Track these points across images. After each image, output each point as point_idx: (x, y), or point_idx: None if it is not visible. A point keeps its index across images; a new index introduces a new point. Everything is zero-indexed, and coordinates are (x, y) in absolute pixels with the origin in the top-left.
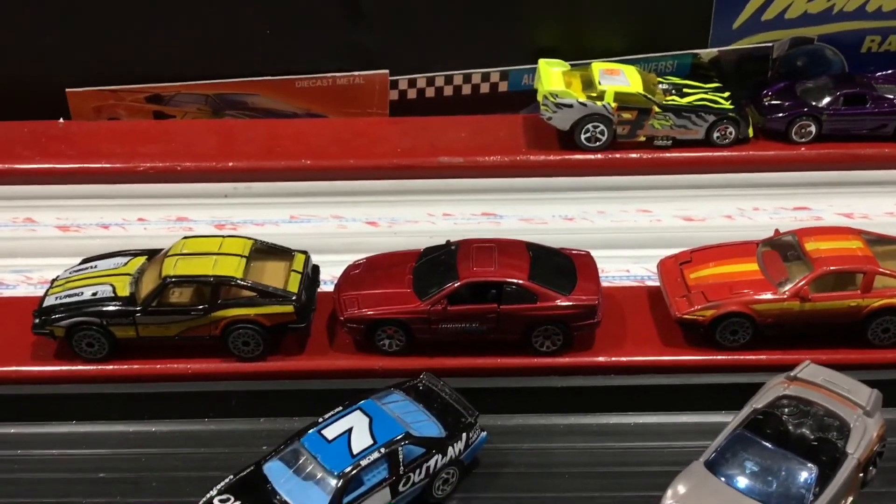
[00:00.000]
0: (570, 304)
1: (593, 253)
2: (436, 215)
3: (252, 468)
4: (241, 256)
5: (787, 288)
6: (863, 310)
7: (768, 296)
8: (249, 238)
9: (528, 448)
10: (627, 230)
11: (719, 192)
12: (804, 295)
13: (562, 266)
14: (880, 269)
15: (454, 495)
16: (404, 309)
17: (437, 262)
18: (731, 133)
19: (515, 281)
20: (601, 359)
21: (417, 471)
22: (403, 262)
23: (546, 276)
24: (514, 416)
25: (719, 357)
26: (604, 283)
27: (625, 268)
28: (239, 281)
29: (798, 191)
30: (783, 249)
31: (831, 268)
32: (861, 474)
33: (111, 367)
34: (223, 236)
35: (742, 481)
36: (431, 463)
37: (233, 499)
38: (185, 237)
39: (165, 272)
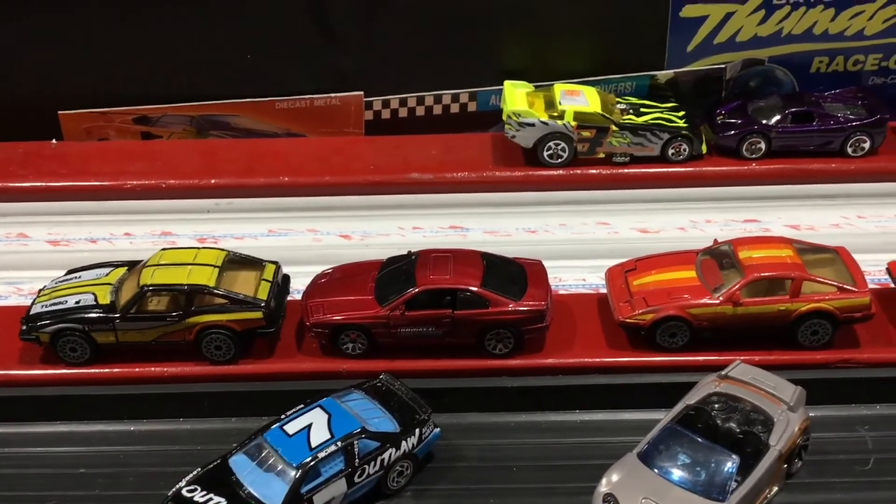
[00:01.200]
0: (520, 309)
1: (553, 263)
2: (406, 228)
3: (218, 461)
4: (215, 266)
5: (721, 293)
6: (792, 313)
7: (704, 300)
8: (223, 249)
9: (480, 444)
10: (586, 242)
11: (674, 206)
12: (736, 300)
13: (514, 274)
14: (808, 276)
15: (409, 487)
16: (366, 314)
17: (398, 270)
18: (684, 150)
19: (469, 288)
20: (550, 360)
21: (372, 463)
22: (367, 271)
23: (498, 284)
24: (468, 415)
25: (659, 358)
26: (561, 292)
27: (582, 277)
28: (212, 289)
29: (748, 204)
30: (720, 258)
31: (761, 274)
32: (785, 465)
33: (93, 370)
34: (198, 248)
35: (670, 471)
36: (386, 456)
37: (199, 489)
38: (163, 249)
39: (143, 281)
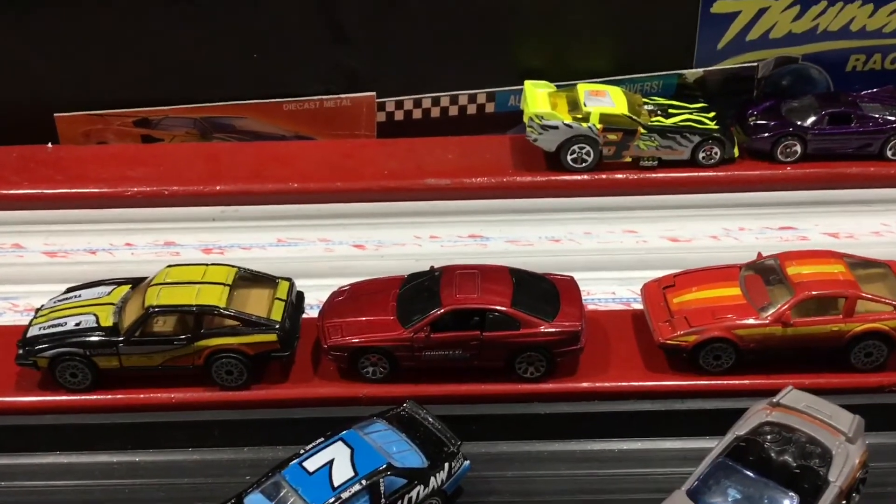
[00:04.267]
0: (554, 330)
1: (579, 275)
2: (422, 238)
3: (233, 501)
4: (225, 285)
5: (769, 313)
6: (845, 334)
7: (751, 321)
8: (233, 266)
9: (511, 476)
10: (613, 251)
11: (705, 213)
12: (786, 320)
13: (545, 292)
14: (862, 294)
15: None
16: (388, 337)
17: (421, 288)
18: (716, 153)
19: (498, 308)
20: (585, 384)
21: (399, 502)
22: (387, 289)
23: (529, 303)
24: (498, 444)
25: (702, 382)
26: (589, 306)
27: (611, 290)
28: (222, 310)
29: (783, 210)
30: (765, 273)
31: (813, 292)
32: (844, 502)
33: (94, 397)
34: (207, 264)
35: None
36: (413, 494)
37: None
38: (169, 266)
39: (149, 302)
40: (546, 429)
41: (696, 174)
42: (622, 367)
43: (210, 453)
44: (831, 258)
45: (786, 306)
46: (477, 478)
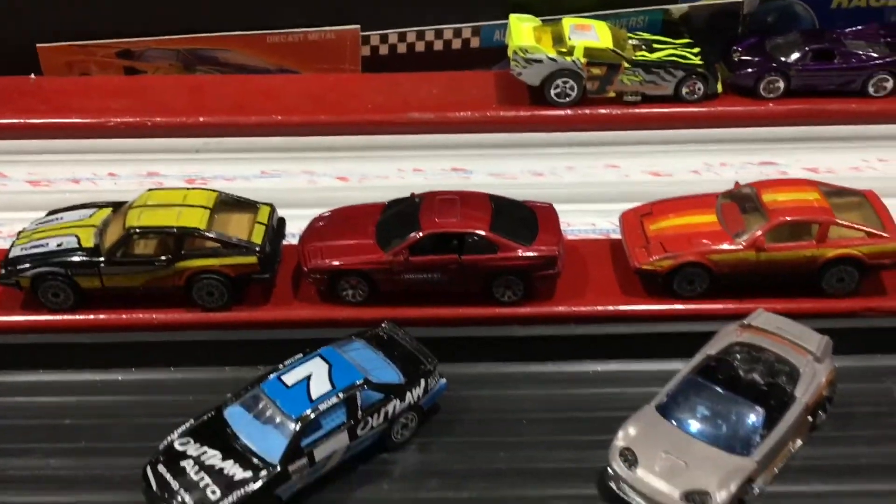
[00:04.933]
0: (531, 254)
1: (560, 207)
2: (406, 171)
3: (213, 413)
4: (206, 208)
5: (743, 238)
6: (818, 260)
7: (725, 246)
8: (214, 190)
9: (487, 395)
10: (595, 185)
11: (687, 148)
12: (760, 245)
13: (524, 218)
14: (836, 220)
15: (413, 440)
16: (367, 259)
17: (401, 214)
18: (699, 88)
19: (477, 232)
20: (561, 308)
21: (376, 415)
22: (368, 215)
23: (507, 228)
24: (476, 365)
25: (676, 306)
26: (569, 237)
27: (591, 221)
28: (203, 232)
29: (765, 146)
30: (742, 201)
31: (787, 218)
32: (810, 418)
33: (77, 316)
34: (188, 188)
35: (691, 424)
36: (390, 408)
37: (192, 441)
38: (151, 189)
39: (129, 223)
40: (523, 351)
41: (679, 109)
42: (599, 292)
43: (191, 372)
44: (807, 186)
45: (760, 232)
46: (454, 397)
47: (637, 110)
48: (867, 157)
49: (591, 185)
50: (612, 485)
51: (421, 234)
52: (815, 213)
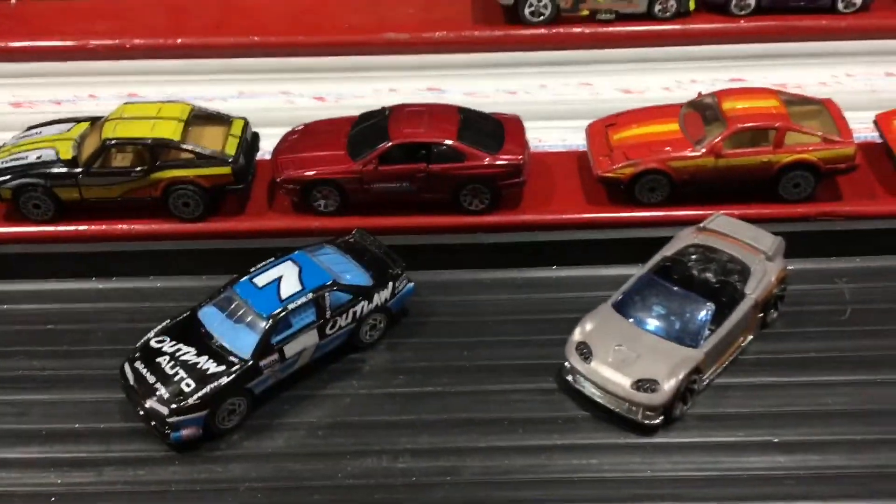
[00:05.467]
0: (496, 163)
1: (532, 124)
2: (382, 90)
3: (188, 313)
4: (180, 121)
5: (703, 145)
6: (774, 165)
7: (685, 153)
8: (188, 104)
9: (455, 300)
10: (567, 102)
11: (659, 66)
12: (718, 151)
13: (490, 128)
14: (792, 126)
15: (383, 340)
16: (338, 169)
17: (371, 126)
18: (672, 6)
19: (443, 141)
20: (527, 217)
21: (344, 315)
22: (340, 127)
23: (474, 137)
24: (444, 272)
25: (638, 214)
26: (540, 151)
27: (562, 137)
28: (177, 143)
29: (736, 63)
30: (703, 110)
31: (744, 125)
32: (761, 315)
33: (58, 227)
34: (162, 102)
35: (644, 319)
36: (358, 309)
37: (168, 339)
38: (126, 103)
39: (105, 135)
40: (489, 258)
41: (651, 28)
42: (564, 201)
43: (170, 281)
44: (766, 94)
45: (718, 138)
46: (422, 301)
47: (610, 28)
48: (836, 72)
49: (563, 102)
50: (569, 378)
51: (390, 143)
52: (772, 119)
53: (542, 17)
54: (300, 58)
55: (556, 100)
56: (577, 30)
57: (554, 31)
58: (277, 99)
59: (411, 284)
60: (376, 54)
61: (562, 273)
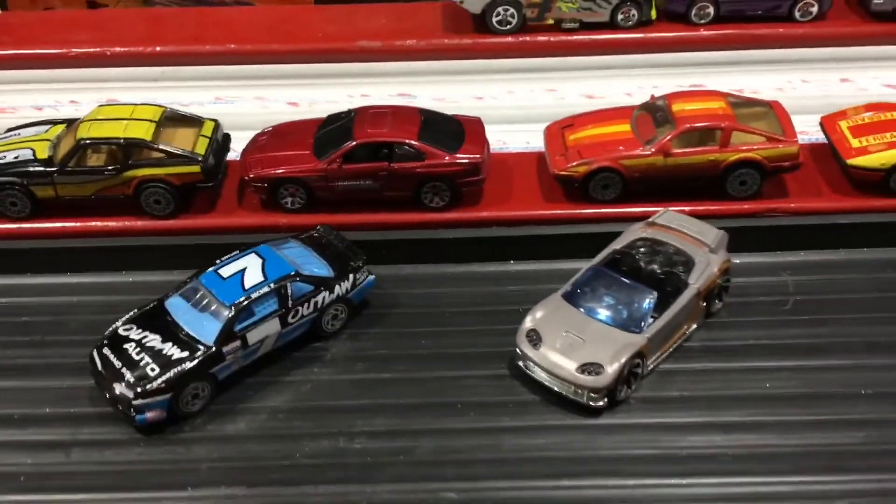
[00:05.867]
0: (455, 161)
1: (497, 127)
2: (354, 96)
3: (155, 303)
4: (152, 122)
5: (652, 144)
6: (721, 163)
7: (636, 152)
8: (161, 106)
9: (415, 293)
10: (533, 107)
11: (622, 73)
12: (667, 150)
13: (451, 129)
14: (737, 126)
15: (344, 330)
16: (304, 168)
17: (337, 126)
18: (634, 15)
19: (405, 140)
20: (486, 213)
21: (306, 305)
22: (307, 128)
23: (434, 137)
24: (406, 266)
25: (592, 210)
26: (503, 152)
27: (526, 140)
28: (148, 143)
29: (696, 70)
30: (655, 112)
31: (691, 125)
32: (705, 304)
33: (34, 224)
34: (136, 104)
35: (592, 308)
36: (319, 299)
37: (136, 328)
38: (101, 105)
39: (80, 135)
40: (449, 253)
41: (614, 36)
42: (522, 199)
43: (142, 275)
44: (715, 96)
45: (667, 138)
46: (385, 294)
47: (575, 37)
48: (792, 77)
49: (528, 107)
50: (521, 364)
51: (353, 143)
52: (718, 119)
53: (509, 26)
54: (275, 65)
55: (521, 105)
56: (542, 38)
57: (520, 39)
58: (253, 104)
59: (372, 277)
60: (349, 61)
61: (519, 267)
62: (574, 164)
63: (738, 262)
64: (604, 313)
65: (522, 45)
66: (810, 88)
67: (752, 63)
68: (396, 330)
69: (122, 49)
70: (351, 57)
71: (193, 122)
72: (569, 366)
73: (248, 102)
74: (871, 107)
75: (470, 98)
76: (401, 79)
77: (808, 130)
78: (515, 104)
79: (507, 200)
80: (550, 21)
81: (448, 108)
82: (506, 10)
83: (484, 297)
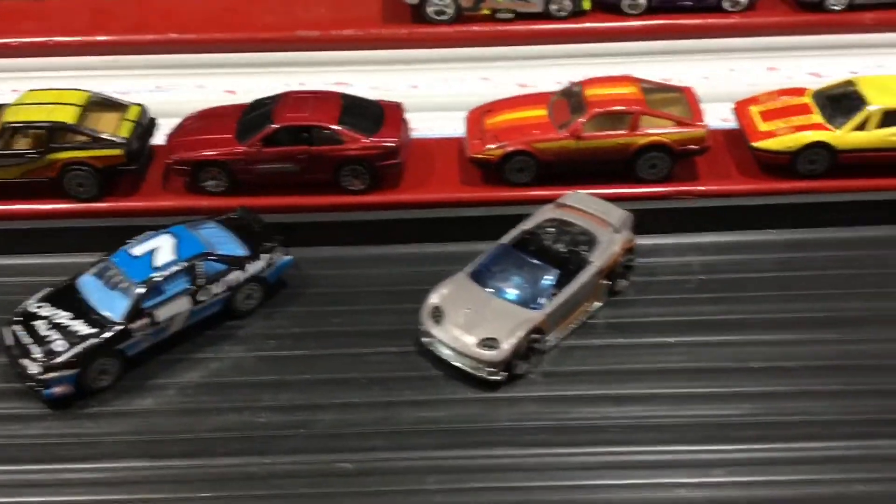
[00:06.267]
0: (373, 144)
1: (430, 114)
2: (292, 85)
3: (67, 282)
4: (77, 106)
5: (565, 128)
6: (631, 147)
7: (549, 135)
8: (87, 91)
9: (333, 273)
10: (466, 95)
11: (555, 62)
12: (578, 133)
13: (371, 113)
14: (647, 110)
15: (259, 310)
16: (225, 151)
17: (260, 111)
18: (567, 5)
19: (323, 124)
20: (404, 196)
21: (217, 284)
22: (232, 113)
23: (353, 122)
24: (324, 248)
25: (508, 193)
26: (430, 138)
27: (455, 126)
28: (72, 126)
29: (627, 59)
30: (570, 97)
31: (602, 109)
32: (609, 282)
33: None
34: (63, 89)
35: (495, 285)
36: (231, 278)
37: (47, 305)
38: (30, 90)
39: (5, 119)
40: (367, 235)
41: (548, 26)
42: (441, 183)
43: (67, 257)
44: (627, 82)
45: (579, 122)
46: (302, 275)
47: (509, 27)
48: (719, 66)
49: (462, 95)
50: (425, 340)
51: (273, 126)
52: (628, 104)
53: (445, 17)
54: (216, 54)
55: (455, 93)
56: (477, 28)
57: (456, 29)
58: (193, 92)
59: (289, 258)
60: (288, 51)
61: (435, 249)
62: (489, 147)
63: (647, 242)
64: (505, 291)
65: (457, 34)
66: (738, 77)
67: (681, 53)
68: (310, 309)
69: (66, 39)
70: (289, 46)
71: (119, 106)
72: (468, 341)
73: (188, 90)
74: (783, 92)
75: (406, 86)
76: (339, 67)
77: (730, 117)
78: (450, 92)
79: (427, 184)
80: (486, 11)
81: (384, 95)
82: (441, 1)
83: (399, 277)
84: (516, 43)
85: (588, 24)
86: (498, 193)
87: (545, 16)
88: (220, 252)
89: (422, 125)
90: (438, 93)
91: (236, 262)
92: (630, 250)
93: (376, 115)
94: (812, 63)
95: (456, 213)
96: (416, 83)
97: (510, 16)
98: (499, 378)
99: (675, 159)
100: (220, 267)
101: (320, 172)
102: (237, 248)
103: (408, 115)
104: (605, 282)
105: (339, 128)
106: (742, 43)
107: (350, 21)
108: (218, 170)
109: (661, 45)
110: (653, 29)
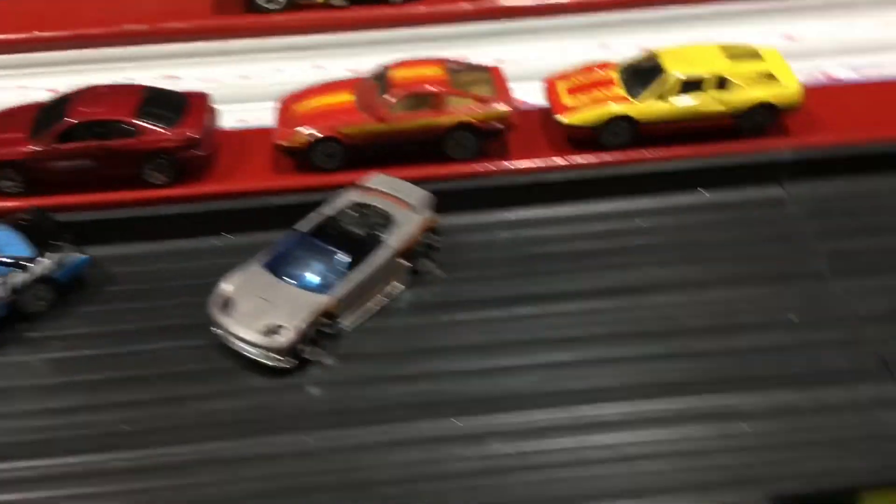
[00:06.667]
0: (172, 136)
1: (257, 105)
2: (118, 80)
3: None
4: None
5: (369, 112)
6: (438, 128)
7: (353, 120)
8: None
9: (135, 270)
10: (297, 84)
11: (388, 47)
12: (384, 116)
13: (174, 105)
14: (451, 90)
15: (54, 310)
16: (16, 150)
17: (56, 107)
18: None
19: (119, 118)
20: (207, 188)
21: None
22: (28, 111)
23: (153, 114)
24: (126, 246)
25: (316, 179)
26: (249, 129)
27: None
28: None
29: (458, 42)
30: (378, 80)
31: (404, 91)
32: (408, 263)
33: None
34: None
35: (287, 272)
36: (18, 280)
37: None
38: None
39: None
40: (171, 229)
41: (381, 11)
42: (251, 173)
43: None
44: (433, 64)
45: (382, 105)
46: (102, 273)
47: (343, 14)
48: (551, 46)
49: (293, 84)
50: (215, 331)
51: (65, 122)
52: (431, 84)
53: (277, 5)
54: (38, 53)
55: (287, 82)
56: (308, 15)
57: (288, 17)
58: (13, 94)
59: (84, 257)
60: (115, 46)
61: (241, 240)
62: (295, 134)
63: (454, 222)
64: (295, 276)
65: (289, 23)
66: (571, 56)
67: (514, 33)
68: (106, 308)
69: None
70: (116, 41)
71: None
72: (254, 329)
73: (9, 92)
74: (591, 67)
75: (237, 78)
76: (168, 61)
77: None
78: (282, 81)
79: (235, 175)
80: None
81: (211, 88)
82: None
83: (202, 271)
84: (350, 29)
85: (421, 10)
86: (307, 180)
87: (380, 1)
88: (2, 254)
89: (251, 116)
90: (272, 82)
91: (16, 265)
92: (432, 230)
93: (179, 107)
94: (643, 38)
95: (264, 202)
96: (249, 74)
97: (344, 3)
98: (287, 366)
99: (482, 138)
100: (2, 269)
101: (122, 168)
102: (21, 250)
103: (232, 107)
104: (405, 262)
105: (137, 121)
106: (574, 21)
107: (179, 13)
108: (12, 170)
109: (492, 28)
110: (481, 11)
